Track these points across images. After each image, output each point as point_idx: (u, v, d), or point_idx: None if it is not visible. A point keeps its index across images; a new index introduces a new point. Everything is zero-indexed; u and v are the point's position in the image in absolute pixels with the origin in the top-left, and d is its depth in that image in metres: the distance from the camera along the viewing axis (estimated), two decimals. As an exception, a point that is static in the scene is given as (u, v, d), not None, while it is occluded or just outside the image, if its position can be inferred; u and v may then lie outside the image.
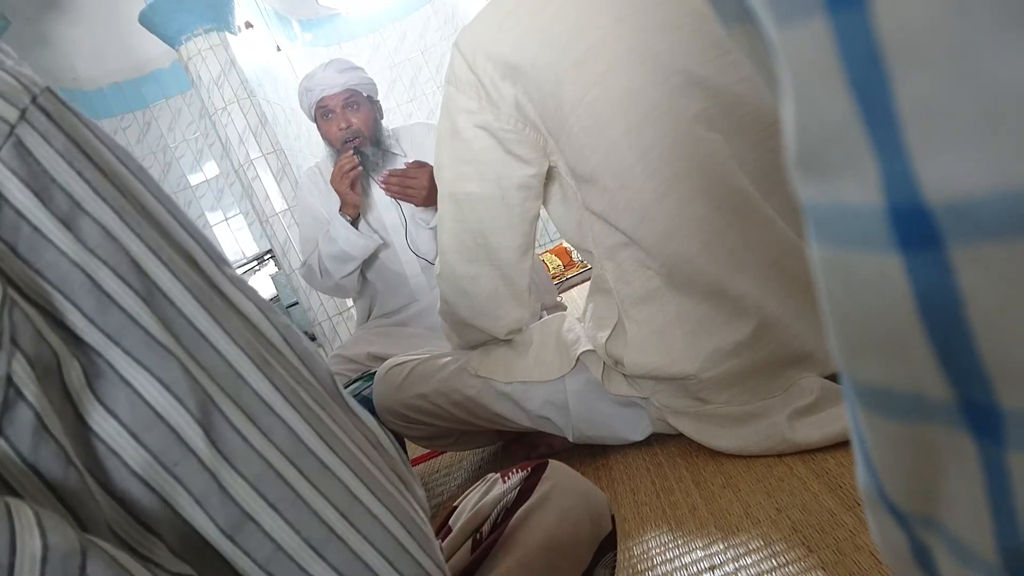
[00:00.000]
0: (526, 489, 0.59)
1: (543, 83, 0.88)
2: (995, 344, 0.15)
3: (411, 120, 4.29)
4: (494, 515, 0.58)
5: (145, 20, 3.03)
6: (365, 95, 1.94)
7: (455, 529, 0.59)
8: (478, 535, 0.57)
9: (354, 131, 1.89)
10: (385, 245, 1.97)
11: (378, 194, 1.99)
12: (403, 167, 1.87)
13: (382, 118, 2.01)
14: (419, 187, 1.83)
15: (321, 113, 1.92)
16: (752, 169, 0.88)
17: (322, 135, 1.96)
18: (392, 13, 4.30)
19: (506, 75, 0.89)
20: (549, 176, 0.96)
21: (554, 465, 0.62)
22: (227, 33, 3.15)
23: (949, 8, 0.14)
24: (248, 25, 3.41)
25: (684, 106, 0.86)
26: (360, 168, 1.87)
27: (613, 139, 0.87)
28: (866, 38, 0.15)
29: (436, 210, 2.00)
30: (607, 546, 0.59)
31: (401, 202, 1.98)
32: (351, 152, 1.86)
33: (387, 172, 1.81)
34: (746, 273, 0.88)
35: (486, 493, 0.61)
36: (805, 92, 0.17)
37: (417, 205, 1.88)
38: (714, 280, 0.87)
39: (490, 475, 0.65)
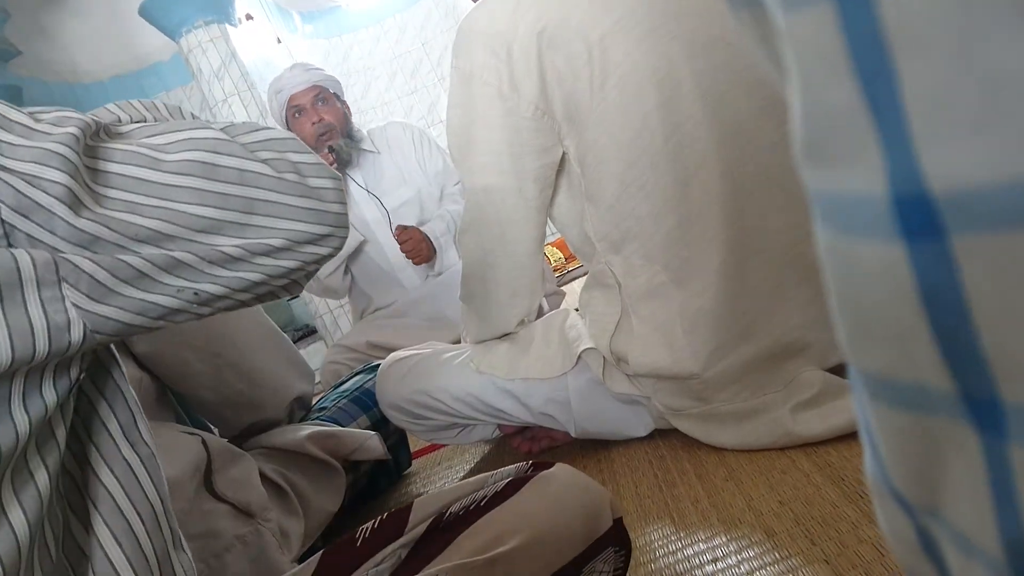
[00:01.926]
0: (518, 480, 0.59)
1: (575, 55, 0.86)
2: (997, 338, 0.15)
3: (412, 113, 4.28)
4: (470, 500, 0.58)
5: (145, 12, 3.02)
6: (332, 92, 1.97)
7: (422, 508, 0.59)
8: (443, 514, 0.57)
9: (326, 125, 1.92)
10: (366, 241, 1.99)
11: (356, 191, 2.01)
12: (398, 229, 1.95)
13: (350, 116, 2.05)
14: (415, 246, 1.91)
15: (292, 112, 1.96)
16: (786, 147, 0.87)
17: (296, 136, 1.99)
18: (393, 5, 4.28)
19: (532, 51, 0.87)
20: (558, 167, 0.96)
21: (559, 465, 0.62)
22: (227, 25, 3.14)
23: None
24: (248, 17, 3.41)
25: (710, 84, 0.85)
26: (335, 165, 1.90)
27: (644, 114, 0.86)
28: (871, 24, 0.15)
29: (415, 203, 2.02)
30: (605, 542, 0.59)
31: (381, 197, 2.00)
32: (325, 150, 1.89)
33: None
34: (761, 256, 0.87)
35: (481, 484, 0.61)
36: (811, 78, 0.17)
37: (426, 262, 1.97)
38: (725, 265, 0.86)
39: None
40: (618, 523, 0.60)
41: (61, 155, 0.39)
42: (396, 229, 1.93)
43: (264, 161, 0.45)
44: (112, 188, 0.41)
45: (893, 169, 0.15)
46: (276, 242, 0.44)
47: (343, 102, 2.02)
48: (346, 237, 0.48)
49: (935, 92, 0.14)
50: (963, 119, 0.14)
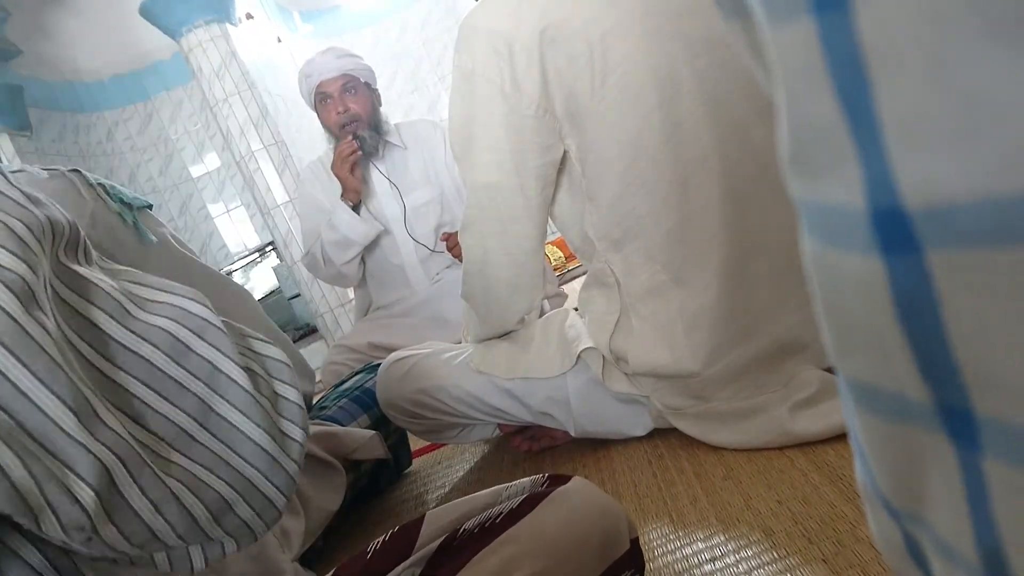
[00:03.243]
0: (535, 496, 0.58)
1: (576, 54, 0.86)
2: (970, 352, 0.15)
3: (412, 112, 4.28)
4: (484, 516, 0.56)
5: (146, 12, 3.02)
6: (363, 81, 1.95)
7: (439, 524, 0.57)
8: (456, 531, 0.56)
9: (351, 115, 1.91)
10: (386, 232, 1.98)
11: (377, 183, 1.99)
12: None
13: (380, 106, 2.02)
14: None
15: (320, 99, 1.94)
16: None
17: (321, 122, 1.98)
18: (393, 4, 4.28)
19: (534, 50, 0.87)
20: (560, 166, 0.96)
21: (576, 479, 0.60)
22: (228, 24, 3.14)
23: (926, 17, 0.14)
24: (249, 16, 3.41)
25: (711, 84, 0.85)
26: (359, 152, 1.88)
27: (645, 113, 0.86)
28: (849, 41, 0.15)
29: (437, 203, 2.02)
30: (622, 565, 0.57)
31: (400, 192, 1.99)
32: (350, 137, 1.88)
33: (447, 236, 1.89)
34: (761, 255, 0.87)
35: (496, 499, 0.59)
36: (794, 91, 0.17)
37: None
38: (725, 264, 0.87)
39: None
40: (634, 544, 0.59)
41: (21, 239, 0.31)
42: (443, 235, 1.92)
43: (247, 370, 0.36)
44: (74, 332, 0.32)
45: (870, 182, 0.15)
46: (217, 484, 0.33)
47: (374, 91, 1.99)
48: (280, 517, 0.38)
49: (909, 109, 0.15)
50: (936, 136, 0.14)
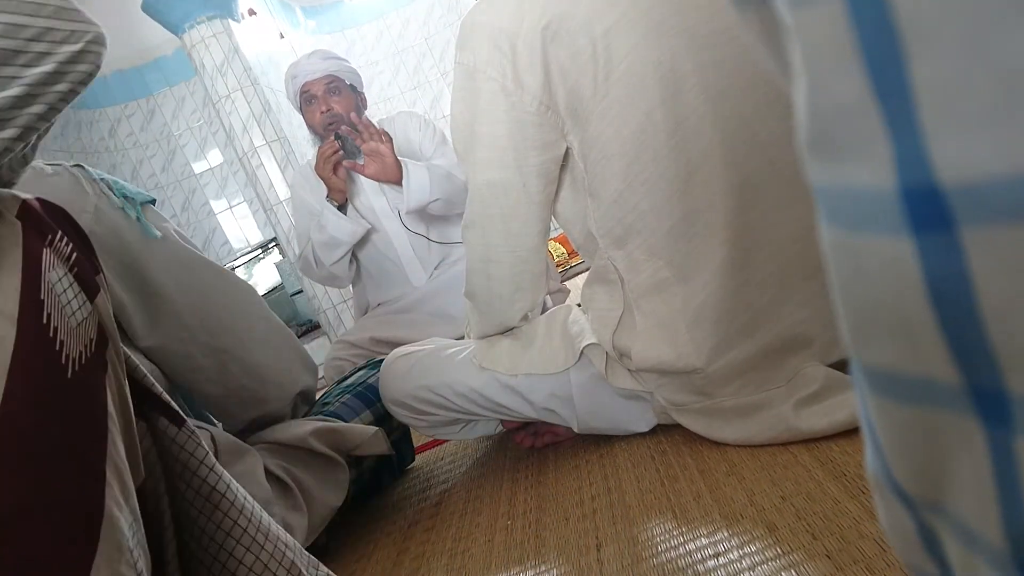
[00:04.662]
0: None
1: (579, 50, 0.86)
2: (1005, 330, 0.15)
3: (414, 107, 4.27)
4: None
5: (148, 7, 3.02)
6: (347, 83, 1.98)
7: None
8: None
9: (334, 115, 1.93)
10: (374, 230, 1.99)
11: (364, 181, 2.00)
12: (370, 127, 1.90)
13: (365, 109, 2.04)
14: (378, 150, 1.87)
15: (304, 99, 1.97)
16: (791, 141, 0.86)
17: (306, 123, 2.00)
18: (396, 0, 4.28)
19: (536, 46, 0.87)
20: (562, 162, 0.96)
21: None
22: (230, 20, 3.14)
23: None
24: (251, 12, 3.41)
25: (714, 79, 0.85)
26: (341, 152, 1.90)
27: (648, 109, 0.86)
28: (882, 15, 0.15)
29: (412, 188, 2.01)
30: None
31: (389, 190, 1.99)
32: (332, 138, 1.90)
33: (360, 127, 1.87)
34: (764, 251, 0.87)
35: None
36: (818, 72, 0.17)
37: (368, 173, 1.90)
38: (729, 260, 0.86)
39: None
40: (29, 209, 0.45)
41: None
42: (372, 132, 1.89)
43: None
44: None
45: (901, 160, 0.15)
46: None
47: (359, 93, 2.02)
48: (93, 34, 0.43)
49: (947, 82, 0.14)
50: (975, 111, 0.14)
